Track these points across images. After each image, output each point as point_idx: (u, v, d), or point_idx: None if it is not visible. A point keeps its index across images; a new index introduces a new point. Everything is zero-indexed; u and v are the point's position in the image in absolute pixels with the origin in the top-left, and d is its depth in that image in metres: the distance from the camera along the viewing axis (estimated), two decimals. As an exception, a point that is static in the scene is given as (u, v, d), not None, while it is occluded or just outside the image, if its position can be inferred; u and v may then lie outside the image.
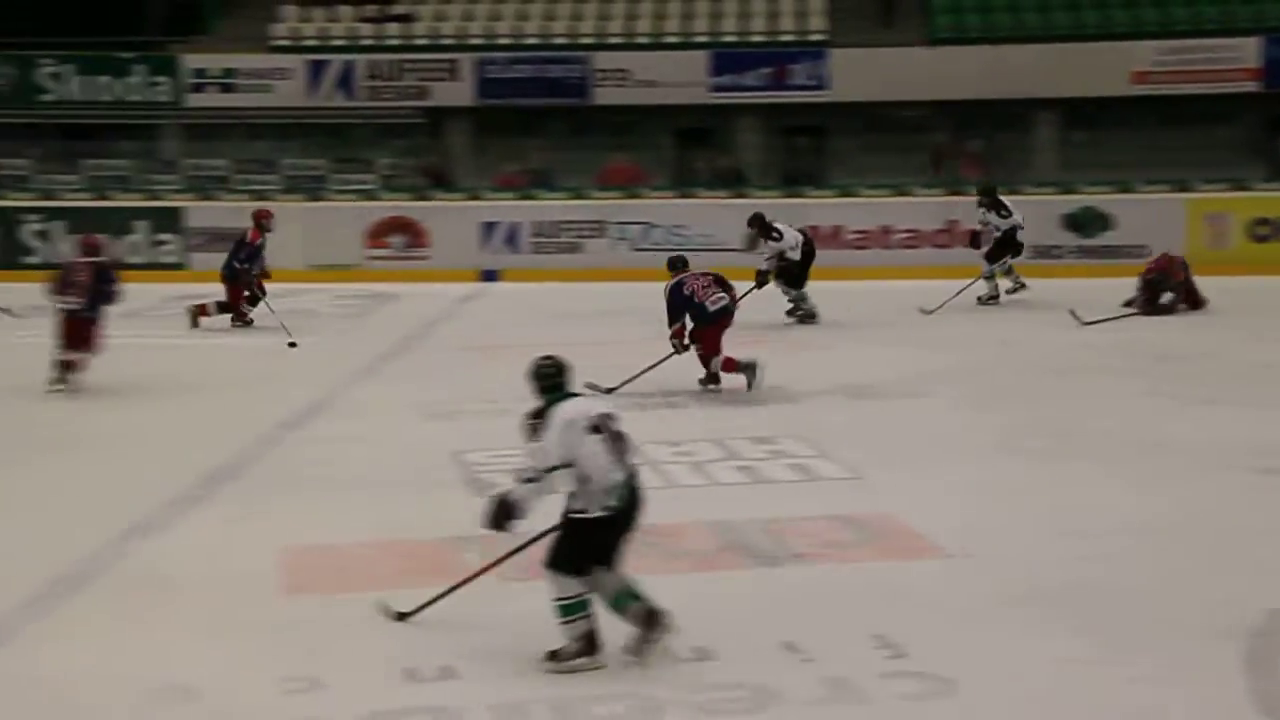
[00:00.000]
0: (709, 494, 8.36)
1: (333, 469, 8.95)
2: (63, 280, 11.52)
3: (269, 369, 12.39)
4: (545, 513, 5.91)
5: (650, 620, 5.81)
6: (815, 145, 22.14)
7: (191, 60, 21.48)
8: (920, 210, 18.67)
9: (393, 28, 22.19)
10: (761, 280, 14.15)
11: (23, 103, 21.24)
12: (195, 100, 21.39)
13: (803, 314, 14.55)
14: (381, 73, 21.36)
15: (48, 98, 21.30)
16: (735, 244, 16.73)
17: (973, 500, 8.09)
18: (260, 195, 19.98)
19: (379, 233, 18.79)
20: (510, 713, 5.32)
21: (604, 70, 21.17)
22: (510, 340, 13.59)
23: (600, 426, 5.85)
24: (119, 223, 18.62)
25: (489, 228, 18.72)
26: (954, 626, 6.15)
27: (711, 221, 18.27)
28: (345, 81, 21.30)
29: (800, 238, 14.41)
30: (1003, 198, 15.92)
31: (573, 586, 5.81)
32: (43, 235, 18.74)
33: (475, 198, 19.87)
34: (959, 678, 5.56)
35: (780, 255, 14.22)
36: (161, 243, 18.24)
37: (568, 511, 5.87)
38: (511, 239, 18.72)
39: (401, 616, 6.28)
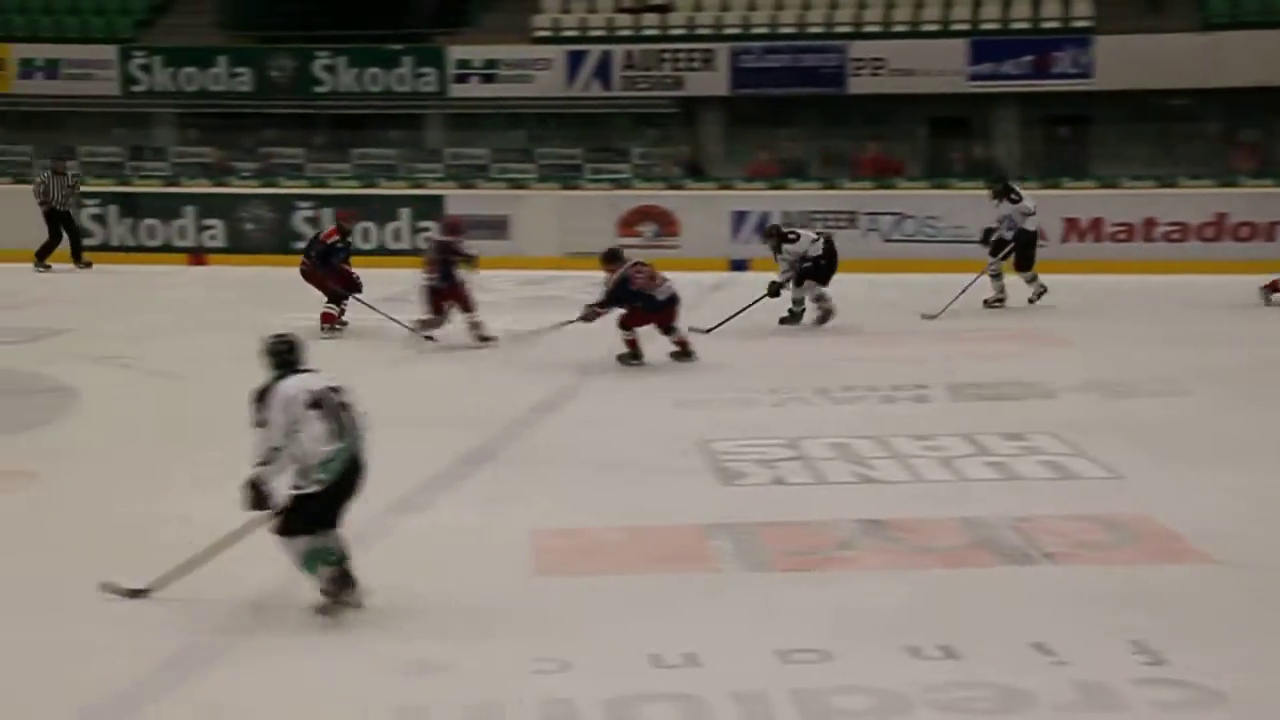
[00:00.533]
0: (958, 490, 8.22)
1: (582, 453, 9.11)
2: (427, 259, 13.45)
3: (520, 352, 12.65)
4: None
5: (341, 582, 6.15)
6: (1077, 135, 21.49)
7: (456, 51, 22.09)
8: (1187, 202, 17.93)
9: (650, 18, 22.40)
10: (773, 290, 13.81)
11: (299, 94, 22.18)
12: (458, 90, 21.98)
13: (821, 314, 13.94)
14: (638, 63, 21.60)
15: (322, 89, 22.17)
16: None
17: (1237, 504, 7.74)
18: (517, 184, 20.46)
19: (631, 221, 19.01)
20: (752, 701, 5.34)
21: (860, 59, 20.95)
22: (758, 330, 13.63)
23: (320, 401, 6.13)
24: (384, 210, 19.31)
25: (740, 217, 18.74)
26: (1217, 634, 5.92)
27: (966, 213, 17.88)
28: (603, 72, 21.61)
29: (815, 236, 14.09)
30: (1020, 190, 15.14)
31: (299, 544, 6.16)
32: (313, 222, 19.52)
33: (727, 187, 19.92)
34: (1226, 689, 5.35)
35: (801, 258, 13.80)
36: (424, 229, 18.79)
37: (290, 486, 6.13)
38: (762, 228, 18.69)
39: (134, 594, 6.34)
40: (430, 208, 18.85)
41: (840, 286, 14.05)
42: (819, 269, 13.87)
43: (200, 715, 5.32)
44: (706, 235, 18.67)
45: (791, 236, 14.02)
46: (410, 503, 7.95)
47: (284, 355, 6.35)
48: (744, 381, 11.31)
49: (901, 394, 10.75)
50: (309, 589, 6.22)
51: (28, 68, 22.45)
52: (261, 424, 6.17)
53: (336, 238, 13.97)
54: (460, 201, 19.11)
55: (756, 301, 13.71)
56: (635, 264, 12.26)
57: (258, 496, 6.17)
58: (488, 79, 21.90)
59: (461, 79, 21.95)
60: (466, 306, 13.23)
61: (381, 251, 18.72)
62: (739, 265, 18.41)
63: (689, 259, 17.94)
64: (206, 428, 9.92)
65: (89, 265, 18.74)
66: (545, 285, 16.40)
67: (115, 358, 12.48)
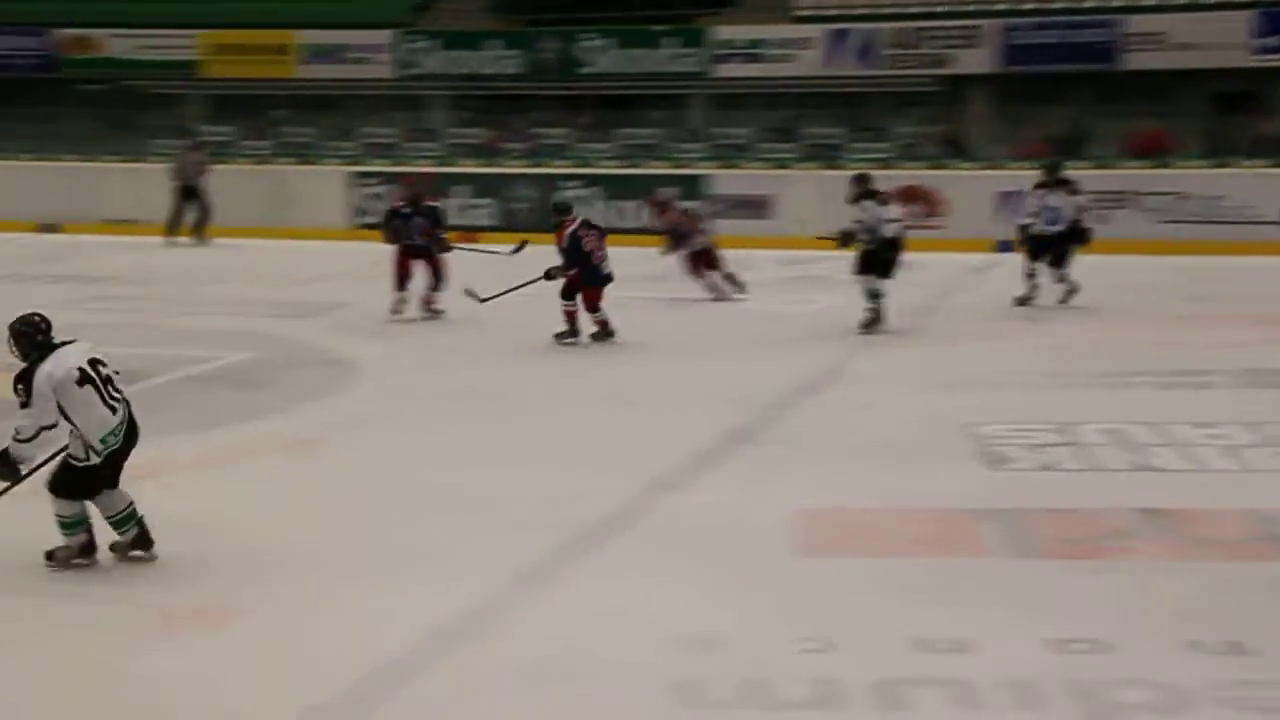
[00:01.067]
0: (1242, 480, 7.85)
1: (844, 434, 9.04)
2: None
3: (781, 332, 12.62)
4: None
5: (142, 542, 6.59)
6: (1376, 109, 20.31)
7: (718, 32, 22.16)
8: None
9: (914, -5, 22.08)
10: (845, 238, 12.42)
11: (565, 76, 22.58)
12: (721, 71, 22.05)
13: (872, 313, 12.38)
14: (902, 41, 21.28)
15: (587, 70, 22.53)
16: (1276, 217, 15.71)
17: None
18: (778, 164, 20.41)
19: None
20: (1025, 690, 5.20)
21: (1136, 34, 20.21)
22: (1025, 313, 13.30)
23: (85, 376, 6.31)
24: (647, 190, 19.46)
25: (1007, 197, 18.29)
26: None
27: (1251, 193, 17.10)
28: (865, 50, 21.37)
29: (897, 219, 12.44)
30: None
31: (70, 508, 6.46)
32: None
33: (994, 166, 19.48)
34: None
35: (873, 230, 12.24)
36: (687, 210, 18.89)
37: (66, 454, 6.40)
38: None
39: None
40: (692, 187, 18.96)
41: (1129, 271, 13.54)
42: (879, 260, 12.35)
43: (473, 688, 5.45)
44: (972, 216, 18.29)
45: (882, 199, 12.48)
46: (672, 480, 8.01)
47: (31, 337, 6.42)
48: (1009, 364, 11.05)
49: (1181, 380, 10.32)
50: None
51: (311, 53, 23.42)
52: (26, 405, 6.30)
53: (401, 203, 13.79)
54: (723, 181, 19.19)
55: (846, 245, 12.60)
56: (585, 222, 12.29)
57: (8, 470, 6.41)
58: (750, 59, 21.90)
59: (724, 59, 22.00)
60: (713, 263, 14.07)
61: (644, 230, 18.91)
62: (1005, 246, 17.97)
63: (954, 239, 17.66)
64: (481, 401, 10.22)
65: (209, 241, 19.53)
66: (808, 265, 16.30)
67: (390, 332, 12.94)
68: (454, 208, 20.17)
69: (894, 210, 12.59)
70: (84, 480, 6.51)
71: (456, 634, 5.87)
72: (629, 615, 6.01)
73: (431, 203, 14.01)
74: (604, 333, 12.15)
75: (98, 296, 15.01)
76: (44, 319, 6.53)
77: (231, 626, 5.94)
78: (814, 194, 18.88)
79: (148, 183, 20.41)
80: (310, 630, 5.92)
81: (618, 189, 19.55)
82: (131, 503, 6.65)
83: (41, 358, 6.36)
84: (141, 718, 5.09)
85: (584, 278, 12.03)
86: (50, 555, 6.58)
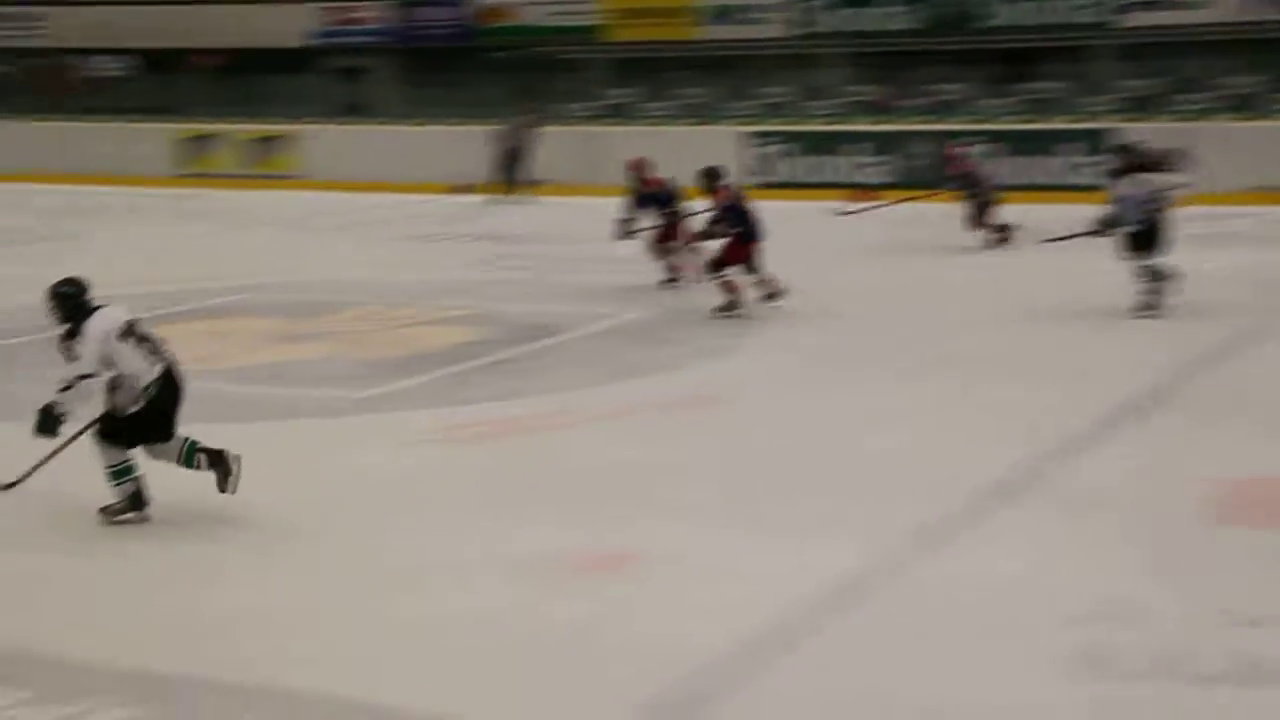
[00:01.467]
0: None
1: (1259, 400, 8.63)
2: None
3: (1192, 293, 12.00)
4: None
5: (218, 460, 6.73)
6: None
7: (1125, -21, 21.20)
8: None
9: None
10: (1106, 227, 11.05)
11: (963, 30, 22.09)
12: (1126, 20, 21.08)
13: (1150, 294, 11.01)
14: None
15: (987, 24, 21.97)
16: None
17: None
18: (1190, 115, 19.39)
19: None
20: None
21: None
22: None
23: (128, 331, 6.65)
24: (1047, 145, 18.95)
25: None
26: None
27: None
28: (1289, -8, 19.99)
29: (1170, 190, 11.12)
30: None
31: (117, 456, 6.71)
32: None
33: None
34: None
35: (1143, 205, 10.91)
36: (1089, 165, 18.22)
37: (106, 408, 6.68)
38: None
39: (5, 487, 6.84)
40: (1096, 142, 18.26)
41: None
42: (1149, 237, 10.99)
43: (867, 645, 5.46)
44: None
45: (1152, 164, 11.37)
46: (1080, 446, 7.79)
47: (77, 298, 6.70)
48: None
49: None
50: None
51: (710, 14, 23.73)
52: (73, 358, 6.56)
53: (631, 190, 13.63)
54: (1130, 135, 18.35)
55: (1088, 234, 11.50)
56: (738, 186, 12.21)
57: (50, 422, 6.64)
58: (1157, 6, 20.83)
59: (1128, 8, 21.03)
60: (990, 215, 14.81)
61: (1044, 187, 18.33)
62: None
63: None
64: (873, 362, 10.19)
65: (530, 199, 20.41)
66: (1225, 221, 15.46)
67: (784, 291, 13.00)
68: (849, 166, 20.21)
69: (1166, 180, 11.38)
70: (125, 428, 6.74)
71: (852, 592, 5.88)
72: (1036, 580, 5.88)
73: (646, 187, 13.61)
74: (774, 294, 11.86)
75: (506, 255, 15.77)
76: (85, 282, 6.81)
77: (629, 571, 6.13)
78: (1232, 147, 17.85)
79: (554, 146, 21.21)
80: (706, 580, 6.03)
81: (1020, 145, 19.01)
82: (186, 438, 6.88)
83: (85, 317, 6.66)
84: (563, 653, 5.35)
85: (743, 236, 11.82)
86: (105, 509, 6.79)
